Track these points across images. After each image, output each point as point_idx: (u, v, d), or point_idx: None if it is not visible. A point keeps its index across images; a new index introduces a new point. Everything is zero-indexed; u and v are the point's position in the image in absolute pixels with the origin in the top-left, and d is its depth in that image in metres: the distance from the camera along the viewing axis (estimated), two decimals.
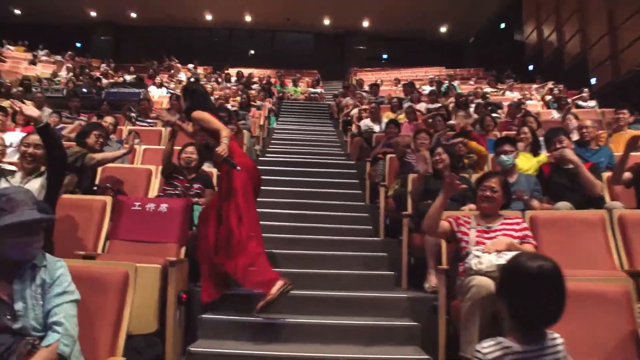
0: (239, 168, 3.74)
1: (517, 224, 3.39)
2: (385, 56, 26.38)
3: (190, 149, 4.95)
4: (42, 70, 17.08)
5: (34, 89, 11.08)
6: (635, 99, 9.14)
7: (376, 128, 8.45)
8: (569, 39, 16.17)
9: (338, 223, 5.69)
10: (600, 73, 13.94)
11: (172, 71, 18.01)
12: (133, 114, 8.96)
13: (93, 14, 24.12)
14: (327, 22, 24.45)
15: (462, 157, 5.56)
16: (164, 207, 3.91)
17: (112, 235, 3.84)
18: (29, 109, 3.23)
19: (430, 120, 7.35)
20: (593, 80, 13.91)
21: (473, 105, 9.63)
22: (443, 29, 24.66)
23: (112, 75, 16.91)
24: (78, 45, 24.27)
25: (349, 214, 6.01)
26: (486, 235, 3.33)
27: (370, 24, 24.44)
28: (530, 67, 19.31)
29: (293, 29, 25.84)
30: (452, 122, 8.30)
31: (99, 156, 4.55)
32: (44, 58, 19.31)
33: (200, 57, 21.24)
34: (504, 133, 7.39)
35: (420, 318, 3.74)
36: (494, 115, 8.43)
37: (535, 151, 5.50)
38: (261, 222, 4.13)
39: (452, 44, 25.24)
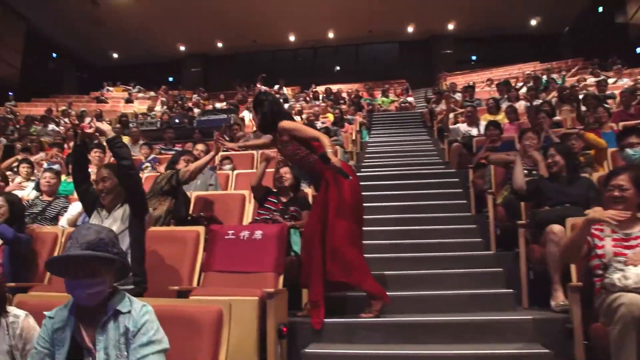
0: (351, 178, 3.51)
1: None
2: (474, 58, 25.43)
3: (284, 169, 4.75)
4: (139, 106, 17.91)
5: (130, 125, 11.47)
6: None
7: (474, 132, 7.93)
8: None
9: (443, 237, 5.26)
10: None
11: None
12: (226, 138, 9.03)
13: (182, 48, 25.12)
14: (410, 29, 23.97)
15: (576, 154, 4.97)
16: (258, 234, 3.71)
17: (206, 267, 3.68)
18: (101, 123, 3.33)
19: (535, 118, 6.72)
20: None
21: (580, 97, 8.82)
22: (533, 22, 23.38)
23: (204, 104, 17.36)
24: (170, 79, 25.45)
25: (455, 226, 5.56)
26: (625, 244, 2.83)
27: (455, 26, 23.69)
28: (638, 50, 17.78)
29: (376, 41, 25.58)
30: (557, 118, 7.67)
31: (191, 167, 4.72)
32: (140, 95, 20.26)
33: (286, 78, 21.43)
34: (621, 124, 6.67)
35: (551, 343, 3.21)
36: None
37: None
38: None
39: (545, 37, 23.84)
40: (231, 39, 24.18)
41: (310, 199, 4.88)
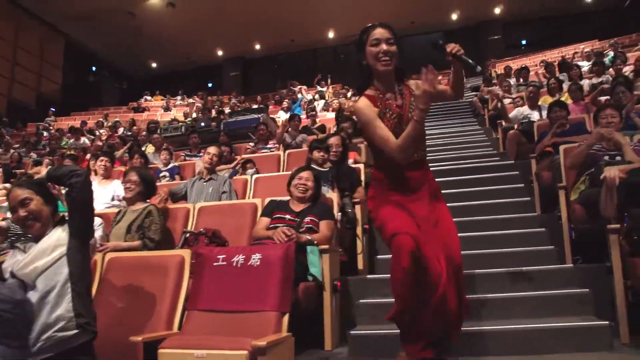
0: (479, 68, 2.55)
1: None
2: (524, 42, 23.86)
3: (305, 174, 3.85)
4: (177, 114, 17.47)
5: (159, 131, 10.83)
6: None
7: (534, 116, 6.81)
8: None
9: (503, 245, 4.20)
10: None
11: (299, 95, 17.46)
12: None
13: (220, 53, 24.68)
14: (455, 16, 22.73)
15: None
16: (255, 259, 2.77)
17: (190, 305, 2.78)
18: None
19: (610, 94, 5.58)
20: None
21: None
22: None
23: (240, 107, 16.74)
24: (210, 85, 25.05)
25: (518, 230, 4.47)
26: None
27: (502, 10, 22.28)
28: None
29: (420, 32, 24.39)
30: (637, 92, 6.49)
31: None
32: (178, 103, 19.87)
33: (330, 75, 20.60)
34: None
35: None
36: None
37: None
38: None
39: (603, 13, 22.11)
40: (268, 40, 23.59)
41: (335, 205, 3.96)
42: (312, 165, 4.60)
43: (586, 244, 3.81)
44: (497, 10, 22.38)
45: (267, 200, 3.98)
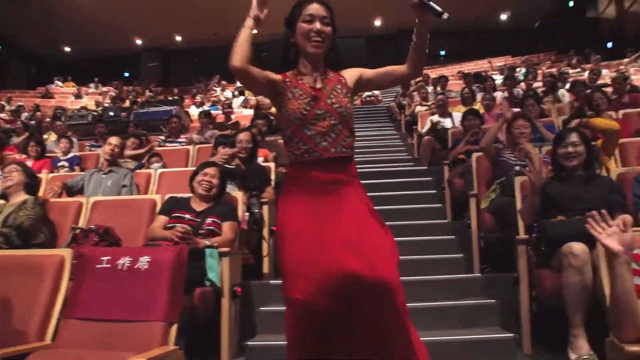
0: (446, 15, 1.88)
1: None
2: (442, 52, 24.56)
3: (211, 170, 3.60)
4: (88, 102, 16.62)
5: (63, 118, 10.13)
6: None
7: (447, 123, 6.88)
8: None
9: (414, 252, 4.12)
10: None
11: (217, 90, 17.05)
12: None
13: (139, 41, 23.69)
14: (378, 22, 23.04)
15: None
16: (143, 262, 2.47)
17: (67, 312, 2.46)
18: None
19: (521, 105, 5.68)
20: None
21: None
22: (504, 17, 22.75)
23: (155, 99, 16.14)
24: (126, 74, 24.01)
25: (428, 237, 4.44)
26: None
27: None
28: (609, 45, 17.14)
29: (343, 34, 24.41)
30: (543, 106, 6.72)
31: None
32: (91, 91, 18.91)
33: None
34: (621, 113, 5.72)
35: None
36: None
37: None
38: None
39: (516, 31, 23.23)
40: (190, 32, 22.86)
41: (240, 205, 3.73)
42: (218, 162, 4.35)
43: (495, 253, 3.80)
44: None
45: (167, 197, 3.68)
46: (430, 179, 5.85)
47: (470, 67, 18.04)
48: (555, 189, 3.01)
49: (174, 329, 2.33)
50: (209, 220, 3.34)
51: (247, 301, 3.44)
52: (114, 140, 5.01)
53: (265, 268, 4.13)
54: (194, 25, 21.78)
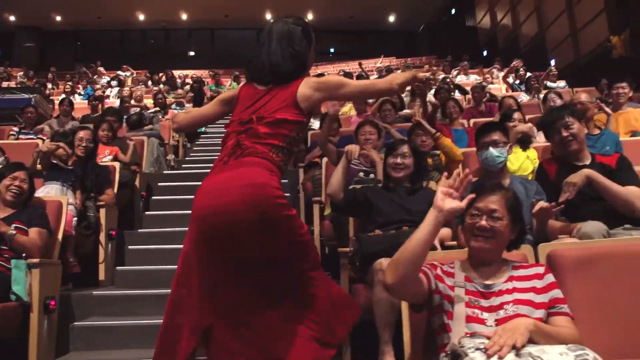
0: None
1: (538, 276, 1.86)
2: (332, 50, 24.91)
3: (21, 174, 3.28)
4: None
5: None
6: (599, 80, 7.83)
7: (315, 125, 6.89)
8: (525, 20, 15.11)
9: None
10: (561, 53, 12.87)
11: (95, 77, 16.09)
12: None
13: (12, 18, 21.82)
14: (268, 16, 22.83)
15: (425, 156, 4.03)
16: None
17: None
18: None
19: (378, 110, 5.77)
20: (552, 62, 12.76)
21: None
22: (392, 19, 23.49)
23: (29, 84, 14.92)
24: None
25: None
26: (484, 304, 1.80)
27: (314, 16, 22.96)
28: (485, 53, 18.20)
29: (233, 26, 24.17)
30: (407, 111, 6.90)
31: None
32: None
33: (136, 61, 19.35)
34: (472, 121, 5.98)
35: None
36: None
37: (524, 143, 4.04)
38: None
39: (403, 33, 24.15)
40: (71, 12, 21.42)
41: (64, 209, 3.46)
42: (54, 161, 4.04)
43: (334, 262, 3.80)
44: (310, 16, 23.01)
45: None
46: (286, 181, 5.82)
47: (355, 66, 18.36)
48: (379, 199, 3.03)
49: None
50: (14, 226, 3.04)
51: (66, 314, 3.20)
52: None
53: (102, 275, 3.91)
54: (76, 6, 20.47)
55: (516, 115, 4.60)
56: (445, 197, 1.76)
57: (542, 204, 2.60)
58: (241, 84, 2.30)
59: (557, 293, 1.82)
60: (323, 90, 2.14)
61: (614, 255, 2.14)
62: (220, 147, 2.15)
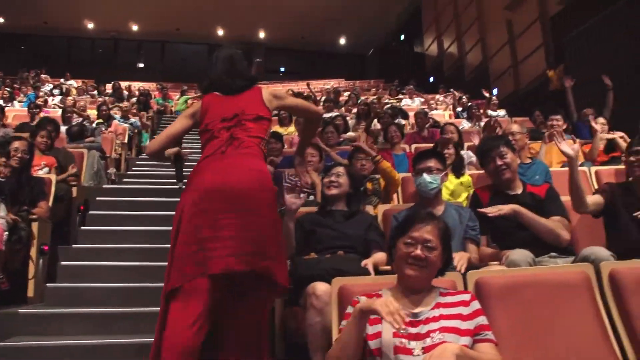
0: None
1: (464, 303, 1.93)
2: (282, 69, 25.08)
3: None
4: None
5: None
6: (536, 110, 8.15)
7: None
8: (470, 50, 15.60)
9: None
10: (502, 84, 13.35)
11: (39, 84, 15.59)
12: None
13: None
14: (220, 32, 22.83)
15: (363, 179, 4.09)
16: None
17: None
18: None
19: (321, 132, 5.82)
20: (495, 91, 13.22)
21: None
22: (342, 41, 23.89)
23: None
24: None
25: None
26: (412, 331, 1.84)
27: (266, 35, 23.16)
28: (431, 79, 18.69)
29: (184, 40, 24.01)
30: (351, 134, 7.01)
31: None
32: None
33: (83, 70, 18.92)
34: (414, 147, 6.11)
35: None
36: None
37: (458, 171, 4.16)
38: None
39: (353, 56, 24.54)
40: (16, 15, 20.74)
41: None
42: None
43: None
44: (262, 35, 23.13)
45: None
46: None
47: (304, 86, 18.49)
48: (315, 226, 3.05)
49: None
50: None
51: None
52: None
53: (30, 292, 3.76)
54: (20, 8, 19.89)
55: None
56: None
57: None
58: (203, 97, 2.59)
59: (482, 320, 1.88)
60: (277, 98, 2.59)
61: (537, 284, 2.24)
62: (202, 143, 2.44)
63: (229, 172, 2.27)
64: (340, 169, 3.25)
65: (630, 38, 8.27)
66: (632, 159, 3.13)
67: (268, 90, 2.57)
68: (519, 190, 3.10)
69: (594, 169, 4.70)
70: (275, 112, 8.72)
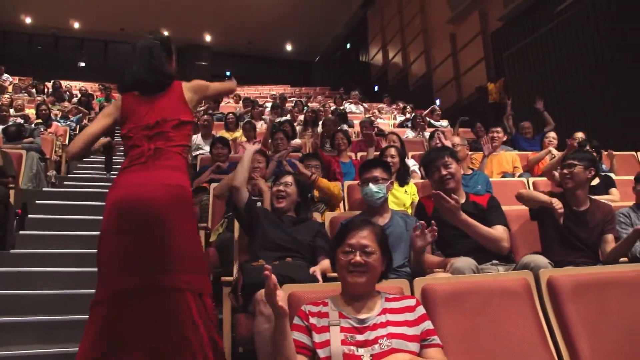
0: None
1: (409, 309, 1.98)
2: (228, 73, 24.86)
3: None
4: None
5: None
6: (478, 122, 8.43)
7: (206, 148, 6.81)
8: (414, 60, 15.96)
9: None
10: (445, 95, 13.72)
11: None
12: None
13: None
14: (165, 34, 22.32)
15: (311, 187, 4.10)
16: None
17: None
18: None
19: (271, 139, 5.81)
20: (437, 102, 13.56)
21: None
22: (289, 47, 23.96)
23: None
24: None
25: None
26: (360, 338, 1.87)
27: (212, 39, 22.97)
28: (376, 88, 18.98)
29: (129, 40, 23.41)
30: (297, 141, 7.03)
31: None
32: None
33: (20, 66, 18.17)
34: (359, 155, 6.18)
35: None
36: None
37: (402, 179, 4.24)
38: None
39: (299, 63, 24.67)
40: None
41: None
42: None
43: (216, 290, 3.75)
44: (208, 38, 22.90)
45: None
46: None
47: (250, 91, 18.42)
48: (269, 222, 3.06)
49: None
50: None
51: None
52: None
53: None
54: None
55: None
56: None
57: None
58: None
59: (428, 325, 1.94)
60: (199, 92, 2.55)
61: (480, 290, 2.32)
62: (125, 151, 2.40)
63: (144, 189, 2.25)
64: (289, 179, 3.28)
65: (560, 58, 8.69)
66: (565, 171, 3.29)
67: (188, 85, 2.51)
68: (462, 200, 3.19)
69: (532, 179, 4.90)
70: (222, 117, 8.68)
